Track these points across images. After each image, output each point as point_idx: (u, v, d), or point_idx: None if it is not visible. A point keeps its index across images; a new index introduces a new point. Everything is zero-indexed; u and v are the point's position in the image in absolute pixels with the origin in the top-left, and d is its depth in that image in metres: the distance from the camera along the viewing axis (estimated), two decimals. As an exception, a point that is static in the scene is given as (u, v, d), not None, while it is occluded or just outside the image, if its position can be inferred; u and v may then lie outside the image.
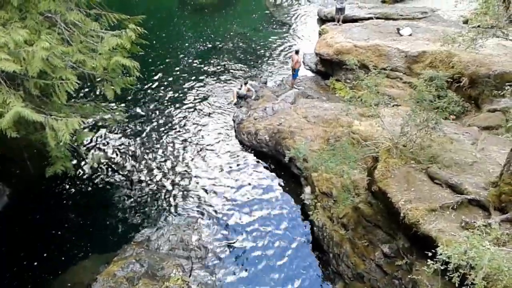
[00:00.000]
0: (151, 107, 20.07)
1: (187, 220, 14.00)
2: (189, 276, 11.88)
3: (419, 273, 8.45)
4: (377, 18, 24.27)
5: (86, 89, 19.57)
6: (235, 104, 20.12)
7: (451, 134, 11.69)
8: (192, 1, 33.50)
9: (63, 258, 12.60)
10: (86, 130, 16.86)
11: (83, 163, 16.25)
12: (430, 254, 7.07)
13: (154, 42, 23.59)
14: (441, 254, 6.65)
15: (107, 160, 16.55)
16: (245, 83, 20.19)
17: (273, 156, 16.73)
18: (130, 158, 16.83)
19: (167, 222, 13.92)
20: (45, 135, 10.65)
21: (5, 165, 14.48)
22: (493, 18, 12.98)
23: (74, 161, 15.31)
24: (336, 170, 11.40)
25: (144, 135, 18.19)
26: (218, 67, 23.75)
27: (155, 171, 16.18)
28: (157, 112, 19.75)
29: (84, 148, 17.05)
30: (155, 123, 18.96)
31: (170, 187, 15.45)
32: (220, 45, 26.40)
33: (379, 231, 10.85)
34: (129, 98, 20.30)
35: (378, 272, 10.63)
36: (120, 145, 17.52)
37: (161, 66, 23.60)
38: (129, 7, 27.02)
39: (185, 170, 16.25)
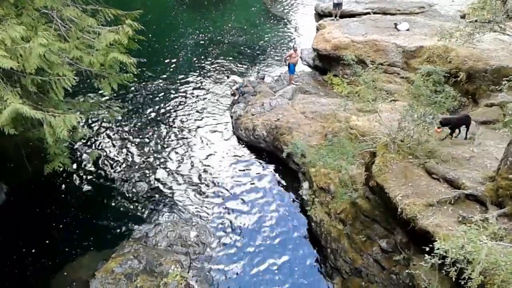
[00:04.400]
0: (148, 103, 20.03)
1: (185, 216, 14.01)
2: (188, 272, 11.91)
3: (416, 268, 8.48)
4: (375, 13, 24.23)
5: (83, 86, 19.47)
6: (233, 96, 20.21)
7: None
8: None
9: (61, 255, 12.59)
10: (83, 126, 16.85)
11: (80, 159, 16.22)
12: (427, 249, 7.10)
13: (151, 36, 23.46)
14: (438, 249, 6.67)
15: (104, 157, 16.53)
16: (227, 77, 20.44)
17: (270, 151, 16.74)
18: (127, 154, 16.81)
19: (165, 218, 13.92)
20: (42, 132, 10.64)
21: (3, 162, 14.45)
22: (490, 13, 13.00)
23: (72, 158, 15.26)
24: (334, 166, 11.43)
25: (141, 131, 18.16)
26: (216, 62, 23.69)
27: (152, 168, 16.16)
28: (154, 108, 19.70)
29: (82, 144, 17.02)
30: (152, 119, 18.93)
31: (167, 183, 15.44)
32: (217, 40, 26.34)
33: (376, 226, 10.89)
34: (126, 93, 20.27)
35: (375, 267, 10.68)
36: (117, 141, 17.49)
37: (158, 61, 23.52)
38: (125, 1, 26.86)
39: (182, 166, 16.23)
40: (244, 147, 17.36)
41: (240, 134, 17.61)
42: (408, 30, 20.42)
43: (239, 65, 23.49)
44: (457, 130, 11.81)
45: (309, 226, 13.57)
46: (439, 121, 10.68)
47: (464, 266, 6.51)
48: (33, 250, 12.64)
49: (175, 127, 18.46)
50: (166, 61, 23.81)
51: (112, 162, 16.33)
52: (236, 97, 19.95)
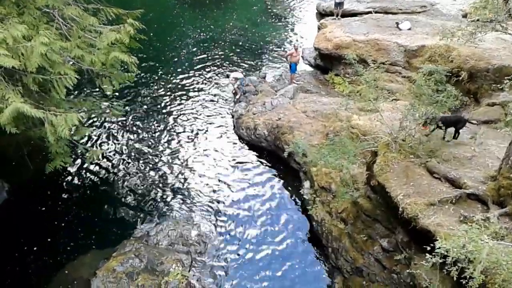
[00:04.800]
0: (149, 101, 20.04)
1: (187, 215, 14.02)
2: (189, 271, 11.91)
3: (417, 267, 8.49)
4: (376, 12, 24.21)
5: (85, 84, 19.48)
6: (235, 95, 20.24)
7: (450, 128, 11.68)
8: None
9: (62, 254, 12.62)
10: (84, 125, 16.86)
11: (82, 158, 16.22)
12: (428, 248, 7.10)
13: (152, 34, 23.49)
14: (439, 248, 6.67)
15: (105, 156, 16.53)
16: (227, 76, 20.33)
17: (272, 151, 16.74)
18: (128, 152, 16.82)
19: (166, 217, 13.93)
20: (44, 131, 10.65)
21: (4, 161, 14.46)
22: (492, 12, 12.96)
23: (73, 157, 15.28)
24: (335, 165, 11.43)
25: (142, 130, 18.17)
26: (217, 61, 23.67)
27: (154, 167, 16.18)
28: (155, 106, 19.70)
29: (83, 143, 17.01)
30: (153, 118, 18.93)
31: (169, 182, 15.45)
32: (218, 39, 26.32)
33: (378, 225, 10.88)
34: (128, 92, 20.26)
35: (377, 266, 10.67)
36: (118, 139, 17.50)
37: (159, 60, 23.52)
38: (126, 0, 26.86)
39: (184, 165, 16.25)
40: (245, 146, 17.36)
41: (242, 133, 17.61)
42: (409, 29, 20.40)
43: (240, 64, 23.47)
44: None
45: (310, 225, 13.58)
46: (424, 119, 10.60)
47: (465, 265, 6.51)
48: (35, 248, 12.66)
49: (176, 126, 18.46)
50: (167, 59, 23.80)
51: (113, 161, 16.35)
52: (237, 96, 19.95)
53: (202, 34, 27.04)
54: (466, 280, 6.49)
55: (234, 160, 16.58)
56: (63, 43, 11.30)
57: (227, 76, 20.62)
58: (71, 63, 11.79)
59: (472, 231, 6.69)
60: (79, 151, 16.24)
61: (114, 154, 16.71)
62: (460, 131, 11.66)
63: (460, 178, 9.35)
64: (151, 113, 19.28)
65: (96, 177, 15.58)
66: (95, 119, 18.19)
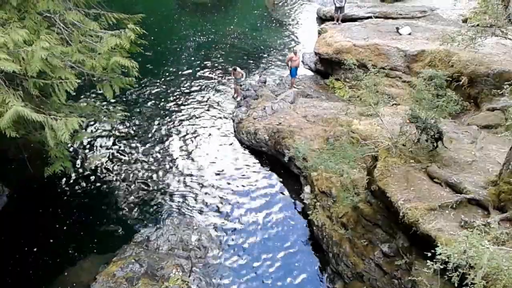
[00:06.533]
0: (149, 106, 20.03)
1: (187, 220, 13.98)
2: (189, 276, 11.86)
3: (418, 273, 8.46)
4: (376, 17, 24.23)
5: (85, 89, 19.48)
6: (235, 97, 20.24)
7: (450, 133, 11.69)
8: (192, -1, 33.49)
9: (62, 258, 12.60)
10: (85, 129, 16.86)
11: (82, 163, 16.22)
12: (429, 254, 7.07)
13: (153, 38, 23.48)
14: (440, 254, 6.64)
15: (105, 160, 16.53)
16: (234, 69, 20.19)
17: (272, 155, 16.73)
18: (129, 157, 16.81)
19: (167, 222, 13.87)
20: (44, 135, 10.65)
21: (4, 165, 14.47)
22: (492, 17, 13.00)
23: (73, 161, 15.26)
24: (335, 170, 11.41)
25: (142, 134, 18.16)
26: (218, 66, 23.69)
27: (154, 171, 16.16)
28: (156, 111, 19.69)
29: (83, 147, 17.03)
30: (153, 123, 18.91)
31: (169, 187, 15.43)
32: (219, 43, 26.34)
33: (378, 230, 10.86)
34: (128, 97, 20.26)
35: (377, 271, 10.64)
36: (118, 144, 17.48)
37: (160, 64, 23.52)
38: (127, 4, 26.91)
39: (184, 170, 16.23)
40: (245, 150, 17.35)
41: (242, 137, 17.60)
42: (410, 34, 20.41)
43: (241, 68, 23.42)
44: None
45: (311, 230, 13.55)
46: (409, 116, 10.49)
47: (466, 271, 6.48)
48: (34, 254, 12.63)
49: (176, 131, 18.45)
50: (168, 63, 23.81)
51: (113, 165, 16.32)
52: (238, 99, 19.97)
53: (202, 38, 27.09)
54: (468, 286, 6.47)
55: (234, 164, 16.56)
56: (64, 47, 11.32)
57: (235, 70, 20.28)
58: (71, 67, 11.79)
59: (473, 236, 6.66)
60: (79, 155, 16.25)
61: (114, 159, 16.69)
62: (461, 136, 11.67)
63: (461, 183, 9.33)
64: (151, 117, 19.27)
65: (96, 181, 15.56)
66: (95, 124, 18.17)
